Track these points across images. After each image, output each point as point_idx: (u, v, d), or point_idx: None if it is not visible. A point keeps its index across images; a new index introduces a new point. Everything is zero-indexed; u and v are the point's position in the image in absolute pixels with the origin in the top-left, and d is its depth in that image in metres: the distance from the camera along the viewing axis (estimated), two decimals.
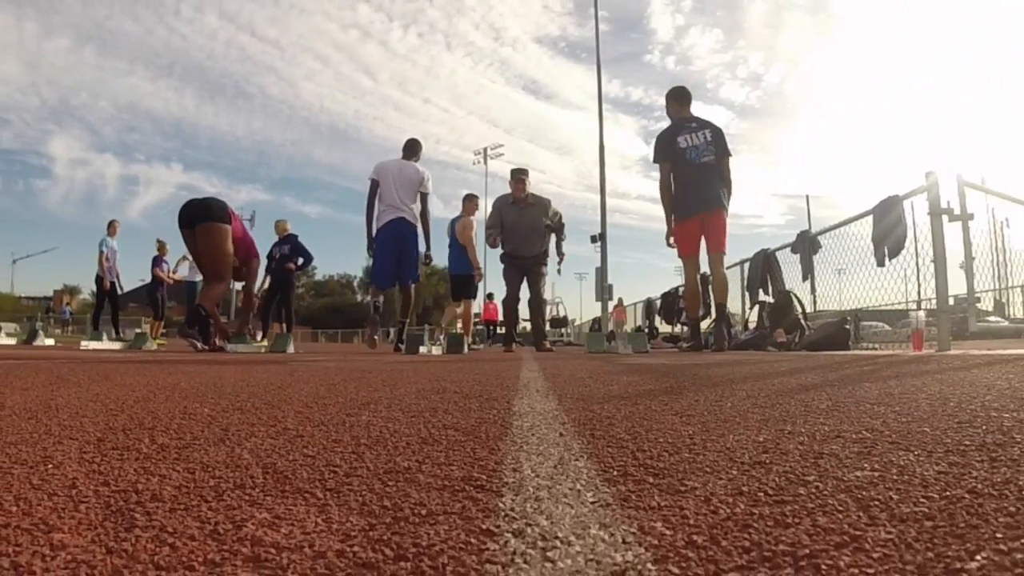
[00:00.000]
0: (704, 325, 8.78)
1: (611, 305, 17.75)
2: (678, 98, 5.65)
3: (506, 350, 6.86)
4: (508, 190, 6.84)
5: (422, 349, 6.20)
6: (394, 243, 5.85)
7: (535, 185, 6.85)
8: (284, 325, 9.03)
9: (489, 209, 7.30)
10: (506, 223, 6.63)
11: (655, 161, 5.52)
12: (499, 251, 6.83)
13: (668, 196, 5.46)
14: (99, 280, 10.42)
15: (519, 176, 6.62)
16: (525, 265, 6.68)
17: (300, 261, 9.26)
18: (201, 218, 5.73)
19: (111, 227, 10.69)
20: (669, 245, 5.57)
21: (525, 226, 6.55)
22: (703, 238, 5.31)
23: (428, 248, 6.21)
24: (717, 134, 5.38)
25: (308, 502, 0.59)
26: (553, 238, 6.84)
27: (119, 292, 10.74)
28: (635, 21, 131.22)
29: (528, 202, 6.62)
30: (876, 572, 0.40)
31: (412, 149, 6.13)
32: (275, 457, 0.80)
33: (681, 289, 10.78)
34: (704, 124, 5.44)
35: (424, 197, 5.97)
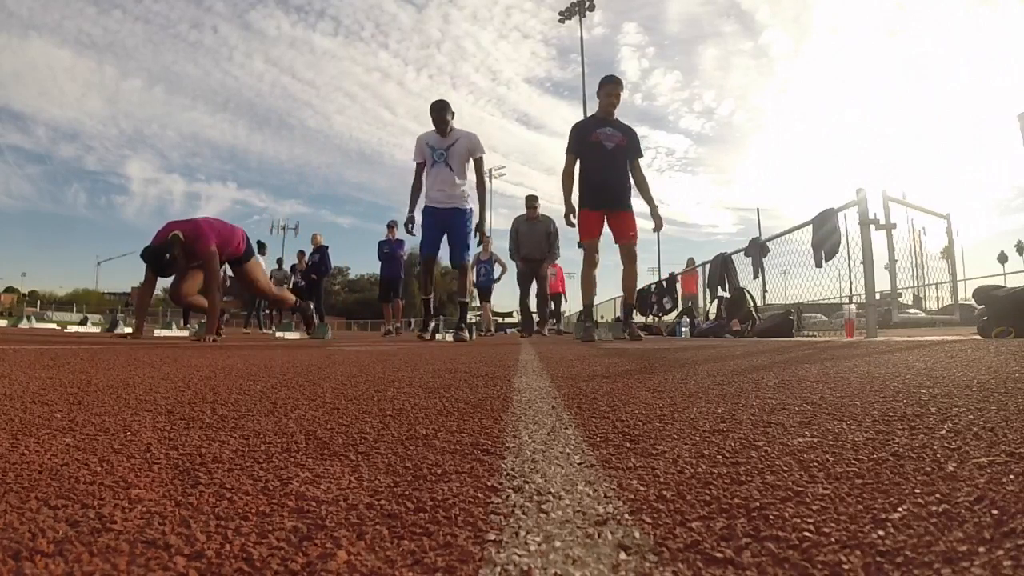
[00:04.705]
0: (671, 317, 9.07)
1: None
2: None
3: (522, 335, 7.99)
4: (512, 205, 8.57)
5: (437, 336, 6.21)
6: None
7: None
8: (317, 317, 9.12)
9: (492, 219, 8.50)
10: (520, 233, 7.85)
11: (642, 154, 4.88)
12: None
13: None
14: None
15: (531, 202, 7.83)
16: (534, 267, 7.85)
17: (321, 270, 9.28)
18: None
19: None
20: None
21: (534, 236, 7.83)
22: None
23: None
24: None
25: (343, 463, 0.59)
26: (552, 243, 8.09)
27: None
28: (608, 65, 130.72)
29: (538, 219, 7.85)
30: (815, 522, 0.40)
31: None
32: (315, 426, 0.80)
33: (652, 286, 11.02)
34: None
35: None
